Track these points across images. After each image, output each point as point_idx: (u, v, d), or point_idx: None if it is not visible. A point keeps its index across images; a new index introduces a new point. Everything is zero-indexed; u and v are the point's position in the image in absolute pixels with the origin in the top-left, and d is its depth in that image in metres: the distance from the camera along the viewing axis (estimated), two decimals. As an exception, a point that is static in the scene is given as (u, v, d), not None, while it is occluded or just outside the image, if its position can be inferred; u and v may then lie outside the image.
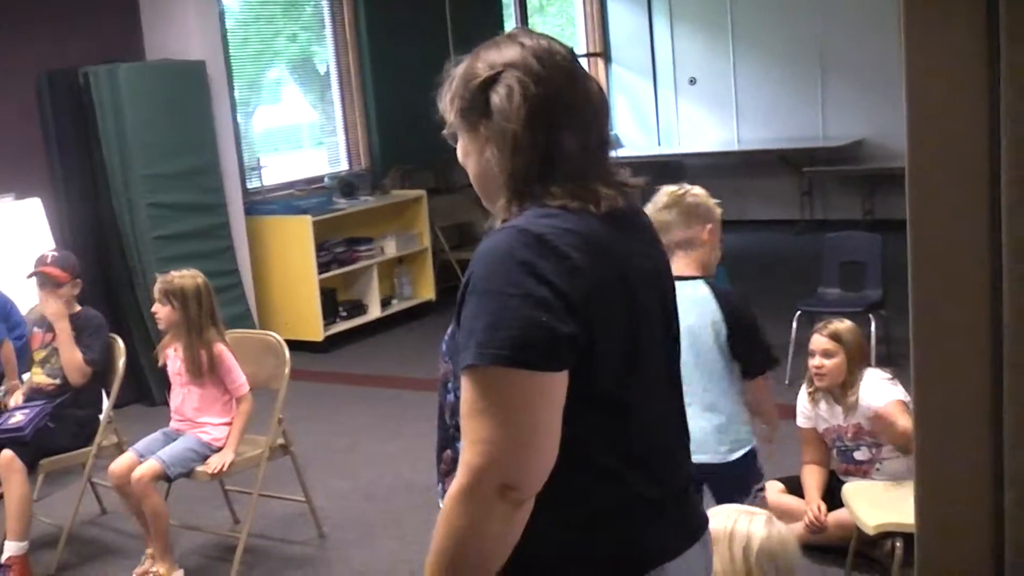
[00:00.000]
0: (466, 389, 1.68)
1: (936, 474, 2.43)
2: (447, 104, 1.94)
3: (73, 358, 4.92)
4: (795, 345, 6.62)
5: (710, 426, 3.47)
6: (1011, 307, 2.22)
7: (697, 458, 2.13)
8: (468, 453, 1.66)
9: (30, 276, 5.12)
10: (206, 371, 4.72)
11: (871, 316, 6.52)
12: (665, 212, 3.51)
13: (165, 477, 4.57)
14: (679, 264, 3.44)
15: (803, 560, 2.68)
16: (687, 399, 2.04)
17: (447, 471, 1.96)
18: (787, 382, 6.57)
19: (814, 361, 4.35)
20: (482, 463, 1.65)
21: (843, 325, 4.37)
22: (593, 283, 1.73)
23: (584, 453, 1.79)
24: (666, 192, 3.58)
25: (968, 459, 2.37)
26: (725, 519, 2.59)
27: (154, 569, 4.62)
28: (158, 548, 4.62)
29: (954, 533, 2.42)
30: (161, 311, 4.74)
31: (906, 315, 4.13)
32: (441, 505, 1.75)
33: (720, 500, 3.15)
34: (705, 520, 2.01)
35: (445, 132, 1.95)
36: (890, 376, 4.31)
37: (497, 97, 1.83)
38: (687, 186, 3.62)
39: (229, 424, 4.76)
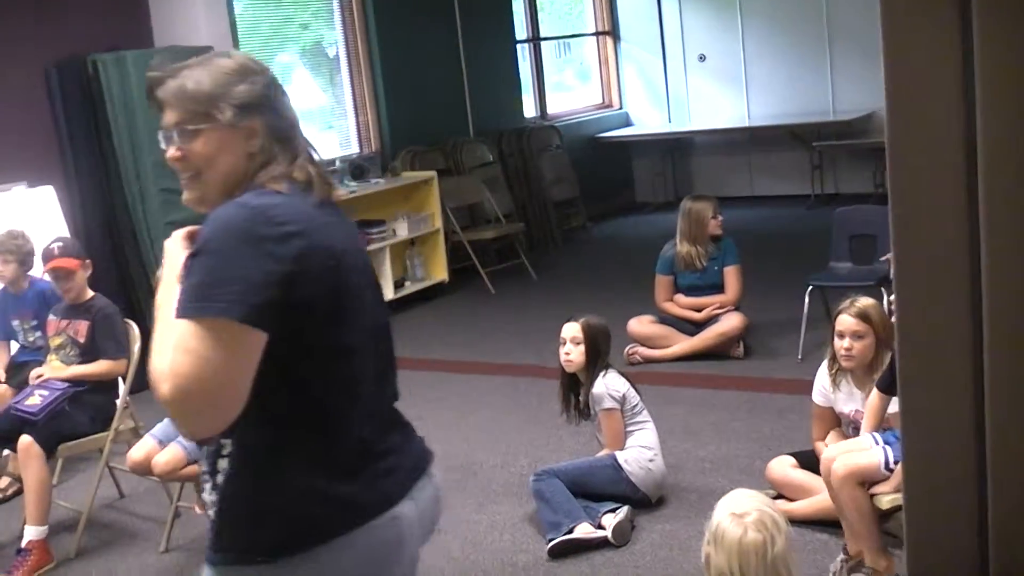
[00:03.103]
0: (182, 330, 1.92)
1: (922, 448, 2.45)
2: (187, 109, 2.13)
3: (105, 372, 4.99)
4: (807, 320, 6.65)
5: None
6: (990, 283, 2.23)
7: None
8: (167, 383, 1.90)
9: (44, 273, 5.18)
10: None
11: (883, 289, 6.49)
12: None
13: (188, 463, 4.61)
14: None
15: (795, 552, 2.71)
16: None
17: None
18: (799, 357, 6.60)
19: (843, 343, 4.24)
20: (177, 395, 1.89)
21: (869, 303, 4.26)
22: (306, 247, 2.00)
23: (316, 410, 2.10)
24: None
25: (953, 432, 2.39)
26: (718, 513, 2.66)
27: None
28: None
29: (941, 514, 2.45)
30: None
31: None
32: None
33: None
34: (427, 456, 2.35)
35: (177, 138, 2.15)
36: None
37: (264, 98, 2.16)
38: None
39: None
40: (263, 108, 2.15)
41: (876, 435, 3.96)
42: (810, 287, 6.76)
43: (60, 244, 5.13)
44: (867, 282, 6.43)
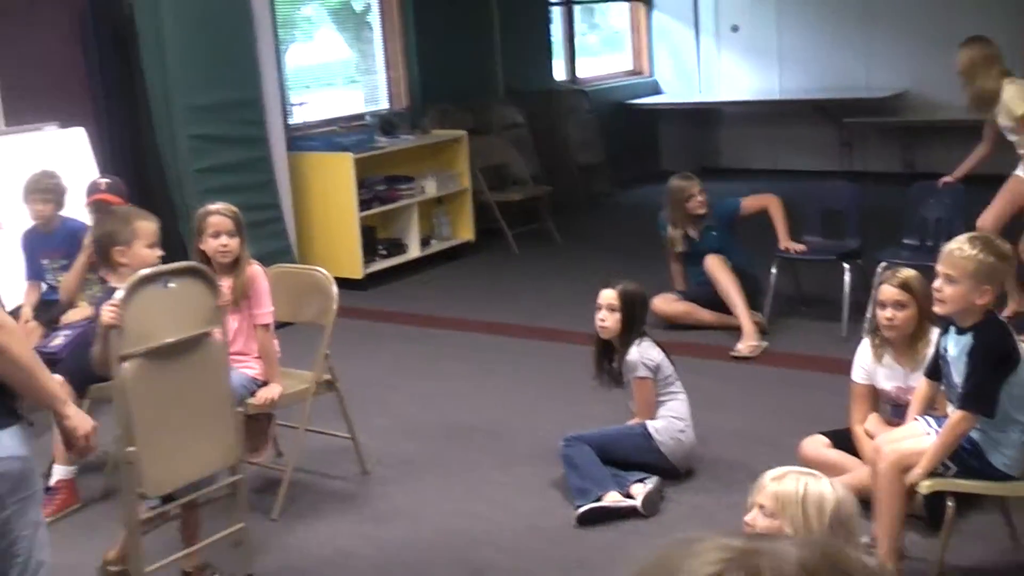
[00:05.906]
0: None
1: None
2: None
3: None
4: (774, 291, 6.89)
5: None
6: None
7: None
8: None
9: (88, 204, 5.16)
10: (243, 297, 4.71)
11: (845, 264, 6.66)
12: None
13: None
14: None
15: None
16: None
17: None
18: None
19: (885, 312, 4.17)
20: None
21: (911, 274, 4.20)
22: None
23: None
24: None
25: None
26: (795, 482, 2.61)
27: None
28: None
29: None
30: (232, 243, 4.69)
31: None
32: None
33: None
34: None
35: None
36: None
37: None
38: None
39: None
40: None
41: (929, 419, 3.88)
42: (778, 259, 6.93)
43: (108, 181, 5.16)
44: (830, 256, 6.86)
